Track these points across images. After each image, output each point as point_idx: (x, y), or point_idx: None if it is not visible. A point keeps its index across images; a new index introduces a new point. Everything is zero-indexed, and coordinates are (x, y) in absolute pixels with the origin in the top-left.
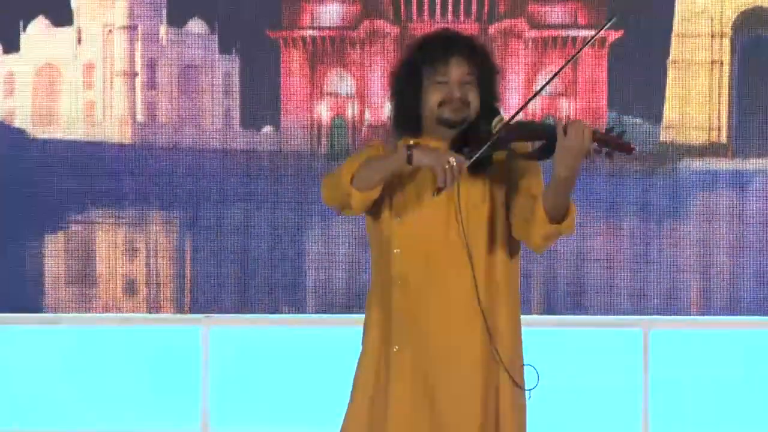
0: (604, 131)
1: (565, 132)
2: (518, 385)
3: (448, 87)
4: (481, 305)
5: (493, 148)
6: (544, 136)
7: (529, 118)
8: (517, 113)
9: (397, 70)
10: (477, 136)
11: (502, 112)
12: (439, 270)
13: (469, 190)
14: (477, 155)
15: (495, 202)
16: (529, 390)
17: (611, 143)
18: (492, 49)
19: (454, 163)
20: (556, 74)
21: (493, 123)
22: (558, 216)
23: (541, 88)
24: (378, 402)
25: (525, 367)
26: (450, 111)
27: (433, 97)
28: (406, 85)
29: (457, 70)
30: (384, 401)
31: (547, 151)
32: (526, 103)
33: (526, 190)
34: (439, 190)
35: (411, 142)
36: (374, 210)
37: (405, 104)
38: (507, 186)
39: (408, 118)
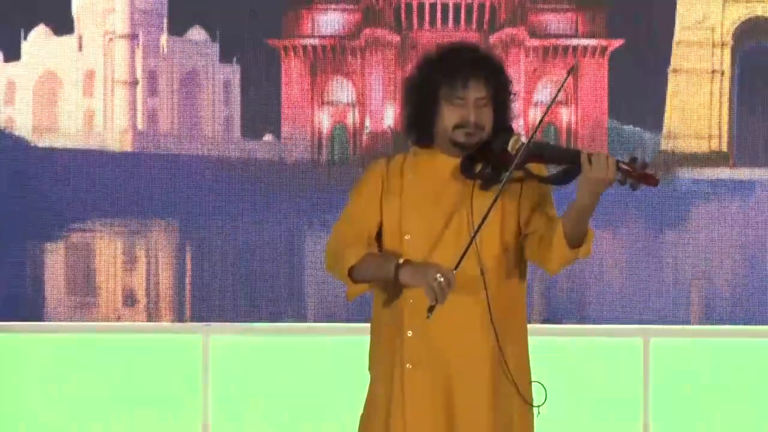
0: (628, 161)
1: (589, 162)
2: (527, 402)
3: (463, 110)
4: (493, 322)
5: (509, 168)
6: (565, 162)
7: (531, 131)
8: (532, 135)
9: (413, 79)
10: (491, 155)
11: (516, 130)
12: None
13: (481, 207)
14: (505, 181)
15: (507, 220)
16: (538, 407)
17: (636, 175)
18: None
19: (441, 279)
20: (546, 111)
21: (510, 143)
22: (577, 241)
23: (539, 124)
24: (395, 421)
25: (533, 384)
26: (464, 135)
27: (448, 119)
28: (422, 99)
29: (474, 93)
30: (401, 419)
31: (568, 177)
32: (536, 129)
33: (542, 212)
34: (431, 309)
35: (400, 260)
36: (380, 229)
37: (419, 117)
38: (520, 205)
39: (422, 131)
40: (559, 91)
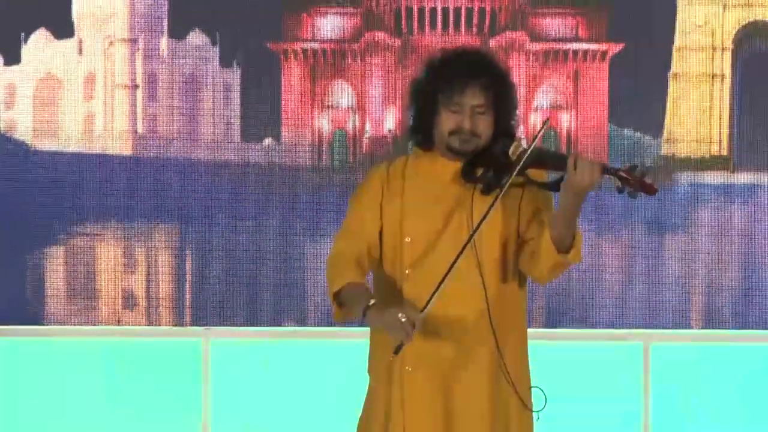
0: (627, 169)
1: (575, 167)
2: (527, 407)
3: (460, 116)
4: (492, 325)
5: (510, 173)
6: (562, 168)
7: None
8: (533, 143)
9: (416, 82)
10: (492, 160)
11: (518, 136)
12: (451, 290)
13: (482, 211)
14: (505, 188)
15: (507, 225)
16: (537, 412)
17: (634, 183)
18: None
19: (403, 319)
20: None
21: (511, 149)
22: (565, 245)
23: (539, 132)
24: (394, 423)
25: (533, 389)
26: (459, 142)
27: (444, 125)
28: (423, 103)
29: (471, 100)
30: (401, 422)
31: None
32: (536, 137)
33: (539, 219)
34: (396, 349)
35: (371, 302)
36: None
37: (420, 121)
38: (520, 211)
39: (422, 134)
40: (541, 131)
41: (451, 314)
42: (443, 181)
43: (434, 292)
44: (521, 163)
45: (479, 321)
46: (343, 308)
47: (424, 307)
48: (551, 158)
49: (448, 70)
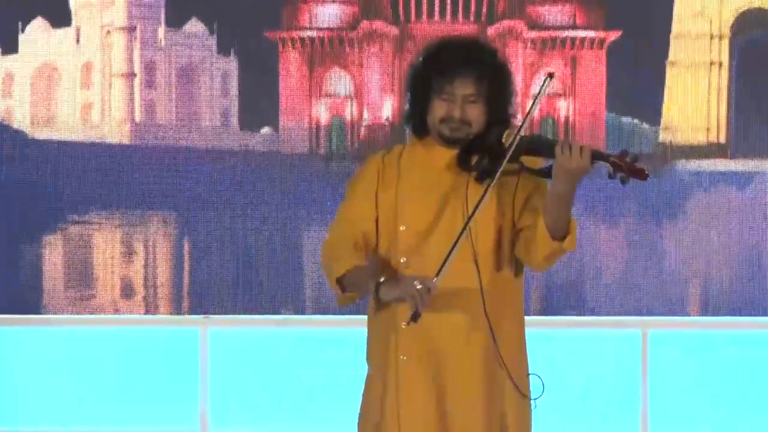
0: (618, 154)
1: (562, 151)
2: (523, 394)
3: (451, 104)
4: (487, 312)
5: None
6: (553, 154)
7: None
8: (521, 128)
9: (412, 69)
10: (486, 147)
11: (514, 123)
12: (446, 278)
13: (476, 199)
14: (496, 176)
15: (502, 212)
16: (535, 399)
17: (625, 169)
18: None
19: (419, 286)
20: (536, 99)
21: (504, 136)
22: (559, 233)
23: (525, 117)
24: (390, 412)
25: (530, 377)
26: (449, 129)
27: (436, 112)
28: (417, 90)
29: (462, 90)
30: (396, 411)
31: None
32: (524, 121)
33: (534, 207)
34: (414, 317)
35: (381, 279)
36: (377, 219)
37: (415, 108)
38: (515, 198)
39: (417, 121)
40: (542, 88)
41: (446, 303)
42: (438, 168)
43: (445, 260)
44: (512, 149)
45: (474, 310)
46: (347, 292)
47: (437, 274)
48: (544, 144)
49: (441, 58)
